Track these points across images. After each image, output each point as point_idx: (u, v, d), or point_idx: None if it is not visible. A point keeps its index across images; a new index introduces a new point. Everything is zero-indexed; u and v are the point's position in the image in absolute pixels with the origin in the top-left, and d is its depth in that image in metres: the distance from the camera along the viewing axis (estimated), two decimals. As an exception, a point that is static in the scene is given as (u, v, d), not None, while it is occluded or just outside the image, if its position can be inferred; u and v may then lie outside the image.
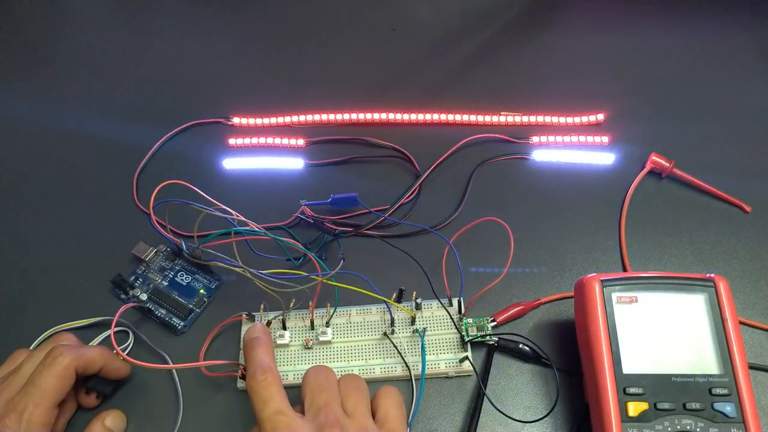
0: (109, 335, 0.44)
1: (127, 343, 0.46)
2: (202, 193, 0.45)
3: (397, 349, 0.44)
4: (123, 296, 0.48)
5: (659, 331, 0.39)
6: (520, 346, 0.44)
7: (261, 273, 0.41)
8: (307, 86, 0.61)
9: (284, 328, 0.45)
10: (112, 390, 0.43)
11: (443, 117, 0.57)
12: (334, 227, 0.49)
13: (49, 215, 0.53)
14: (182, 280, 0.48)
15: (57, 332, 0.45)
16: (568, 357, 0.44)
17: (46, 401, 0.37)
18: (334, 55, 0.64)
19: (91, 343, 0.45)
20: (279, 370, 0.40)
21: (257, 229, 0.44)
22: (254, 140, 0.56)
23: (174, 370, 0.44)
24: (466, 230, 0.47)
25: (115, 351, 0.43)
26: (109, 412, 0.42)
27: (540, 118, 0.57)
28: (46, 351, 0.40)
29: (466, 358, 0.43)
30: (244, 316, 0.46)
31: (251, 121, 0.58)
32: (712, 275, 0.40)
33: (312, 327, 0.46)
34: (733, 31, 0.63)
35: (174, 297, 0.47)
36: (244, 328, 0.46)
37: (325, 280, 0.42)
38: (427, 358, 0.43)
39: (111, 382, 0.43)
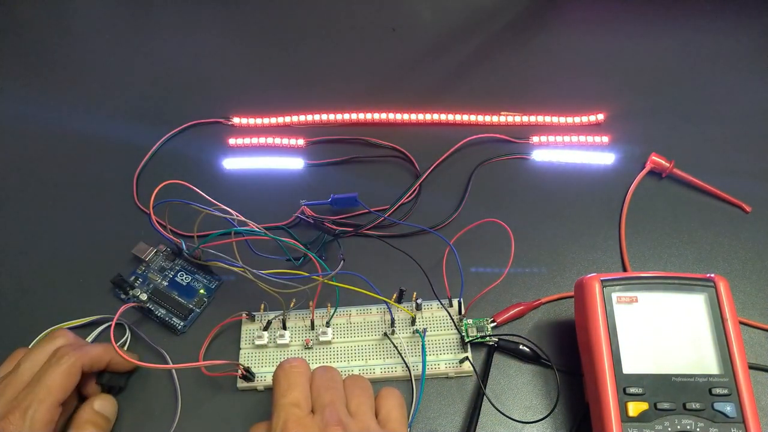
0: (106, 330, 0.44)
1: (124, 338, 0.46)
2: (202, 193, 0.45)
3: (398, 350, 0.44)
4: (123, 296, 0.48)
5: (659, 331, 0.39)
6: (520, 346, 0.44)
7: (261, 273, 0.41)
8: (307, 86, 0.61)
9: (284, 328, 0.45)
10: (126, 381, 0.44)
11: (443, 117, 0.57)
12: (334, 227, 0.49)
13: (49, 215, 0.53)
14: (182, 280, 0.48)
15: (51, 329, 0.45)
16: (568, 357, 0.44)
17: (50, 398, 0.37)
18: (334, 55, 0.64)
19: (87, 339, 0.45)
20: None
21: (257, 229, 0.44)
22: (254, 140, 0.56)
23: (173, 370, 0.44)
24: (466, 231, 0.47)
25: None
26: (98, 396, 0.42)
27: (540, 118, 0.57)
28: (42, 350, 0.40)
29: (466, 358, 0.43)
30: (244, 315, 0.46)
31: (251, 121, 0.58)
32: (712, 275, 0.40)
33: (312, 327, 0.46)
34: (732, 31, 0.62)
35: (174, 297, 0.47)
36: (244, 328, 0.46)
37: (325, 281, 0.42)
38: (428, 358, 0.43)
39: (123, 374, 0.43)
